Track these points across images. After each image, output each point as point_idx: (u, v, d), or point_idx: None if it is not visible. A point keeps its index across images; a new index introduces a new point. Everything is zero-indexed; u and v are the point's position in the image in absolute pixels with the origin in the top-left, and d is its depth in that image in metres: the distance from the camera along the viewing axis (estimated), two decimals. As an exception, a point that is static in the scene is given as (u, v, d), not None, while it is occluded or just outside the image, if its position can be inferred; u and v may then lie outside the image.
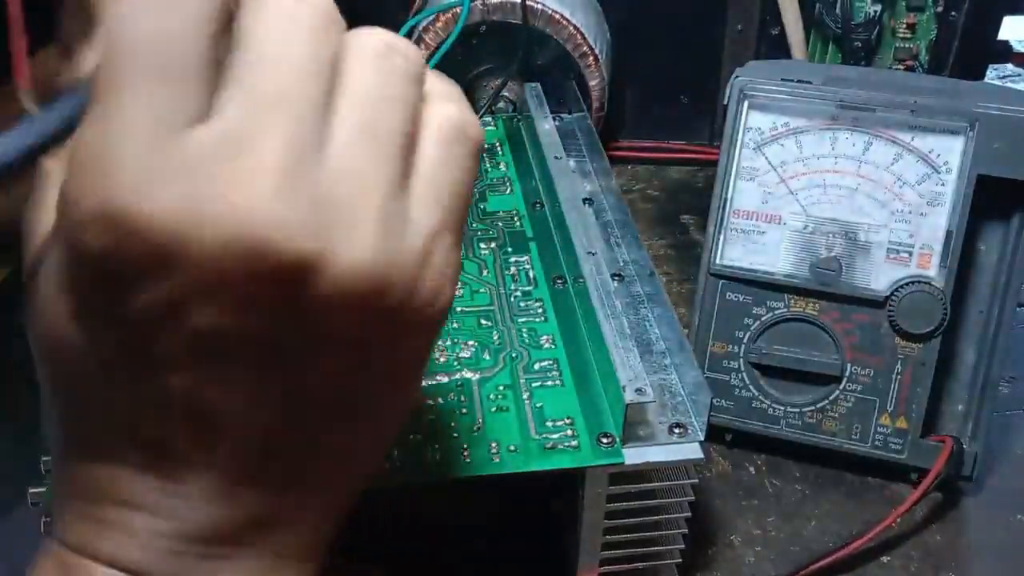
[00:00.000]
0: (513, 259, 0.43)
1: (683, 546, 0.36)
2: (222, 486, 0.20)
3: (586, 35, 0.59)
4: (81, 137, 0.17)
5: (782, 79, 0.43)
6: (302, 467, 0.21)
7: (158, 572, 0.20)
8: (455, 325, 0.38)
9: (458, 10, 0.56)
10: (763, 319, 0.44)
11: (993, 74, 0.81)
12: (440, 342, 0.37)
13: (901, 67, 0.61)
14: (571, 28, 0.58)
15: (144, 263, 0.17)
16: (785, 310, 0.44)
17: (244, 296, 0.18)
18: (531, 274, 0.42)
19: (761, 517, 0.43)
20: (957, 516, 0.44)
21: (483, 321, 0.39)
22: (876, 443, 0.44)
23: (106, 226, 0.17)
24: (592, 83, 0.60)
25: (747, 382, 0.45)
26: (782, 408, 0.45)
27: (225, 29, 0.18)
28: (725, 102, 0.44)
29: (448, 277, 0.21)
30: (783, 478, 0.45)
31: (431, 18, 0.57)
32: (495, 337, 0.38)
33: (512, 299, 0.40)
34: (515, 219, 0.45)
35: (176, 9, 0.17)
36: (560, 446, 0.33)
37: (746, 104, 0.43)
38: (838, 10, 0.60)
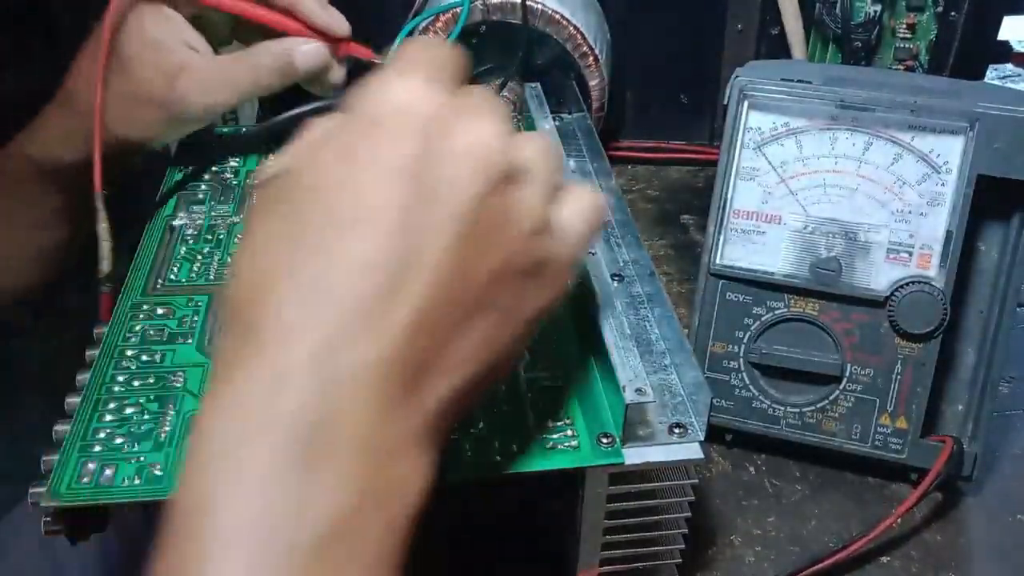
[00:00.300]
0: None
1: (683, 546, 0.36)
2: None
3: (586, 35, 0.59)
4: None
5: (782, 79, 0.43)
6: (471, 331, 0.26)
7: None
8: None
9: (458, 10, 0.56)
10: (763, 319, 0.44)
11: (993, 74, 0.81)
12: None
13: (901, 67, 0.61)
14: (571, 28, 0.58)
15: None
16: (785, 310, 0.44)
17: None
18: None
19: (761, 517, 0.43)
20: (957, 516, 0.44)
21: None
22: (876, 443, 0.44)
23: None
24: (592, 83, 0.60)
25: (747, 382, 0.45)
26: (782, 408, 0.45)
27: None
28: (725, 102, 0.44)
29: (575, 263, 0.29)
30: (783, 478, 0.45)
31: (431, 18, 0.57)
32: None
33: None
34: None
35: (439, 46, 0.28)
36: (560, 446, 0.33)
37: (746, 104, 0.43)
38: (838, 10, 0.60)
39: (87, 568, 0.47)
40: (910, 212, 0.42)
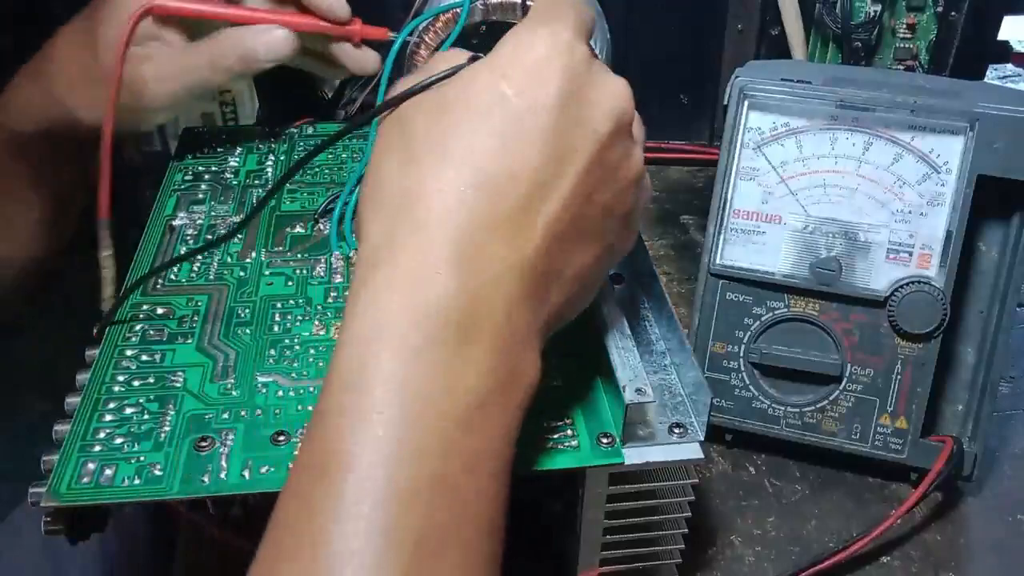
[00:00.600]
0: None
1: (683, 546, 0.36)
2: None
3: (586, 35, 0.58)
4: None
5: (782, 79, 0.43)
6: (583, 254, 0.30)
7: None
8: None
9: (458, 10, 0.56)
10: (763, 319, 0.44)
11: (993, 74, 0.81)
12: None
13: (901, 67, 0.61)
14: (571, 28, 0.58)
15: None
16: (785, 310, 0.44)
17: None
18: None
19: (761, 517, 0.43)
20: (957, 516, 0.44)
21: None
22: (876, 443, 0.44)
23: None
24: (592, 83, 0.60)
25: (747, 382, 0.45)
26: (782, 408, 0.45)
27: None
28: (725, 102, 0.44)
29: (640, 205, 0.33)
30: (783, 478, 0.45)
31: (431, 18, 0.57)
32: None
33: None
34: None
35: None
36: (560, 446, 0.33)
37: (746, 104, 0.43)
38: (838, 10, 0.60)
39: (87, 568, 0.47)
40: (910, 212, 0.42)
